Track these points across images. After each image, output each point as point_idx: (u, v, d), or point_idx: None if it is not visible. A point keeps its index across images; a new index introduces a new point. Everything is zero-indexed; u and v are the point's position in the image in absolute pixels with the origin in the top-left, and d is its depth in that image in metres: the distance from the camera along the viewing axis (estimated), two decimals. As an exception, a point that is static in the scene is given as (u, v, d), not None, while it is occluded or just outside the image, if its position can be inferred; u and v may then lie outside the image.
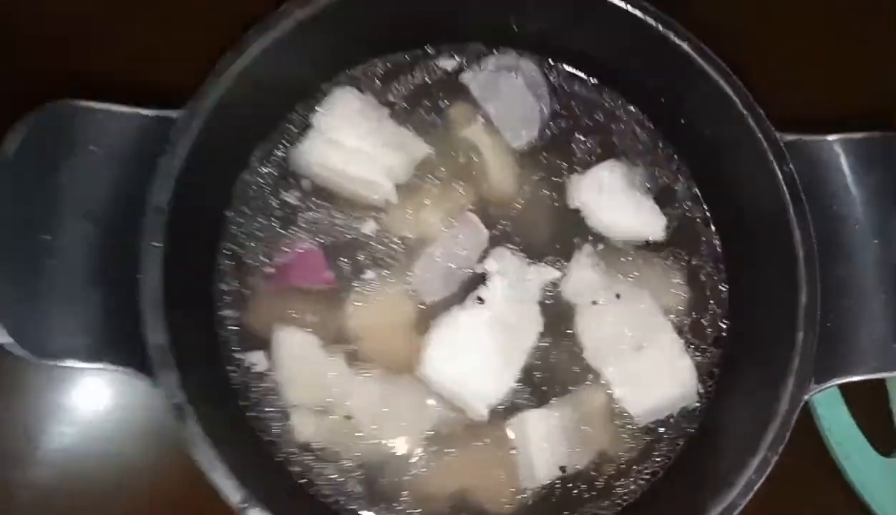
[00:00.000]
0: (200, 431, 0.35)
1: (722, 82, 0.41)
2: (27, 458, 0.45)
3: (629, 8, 0.41)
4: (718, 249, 0.46)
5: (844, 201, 0.40)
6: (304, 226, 0.44)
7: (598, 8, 0.42)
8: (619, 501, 0.41)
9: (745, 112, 0.40)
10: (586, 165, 0.46)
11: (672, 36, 0.41)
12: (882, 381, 0.49)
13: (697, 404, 0.43)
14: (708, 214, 0.46)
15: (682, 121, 0.45)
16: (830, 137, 0.40)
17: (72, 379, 0.46)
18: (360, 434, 0.41)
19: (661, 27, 0.41)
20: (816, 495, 0.48)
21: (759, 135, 0.40)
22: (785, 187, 0.39)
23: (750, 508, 0.35)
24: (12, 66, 0.47)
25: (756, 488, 0.35)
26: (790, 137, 0.40)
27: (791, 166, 0.39)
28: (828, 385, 0.37)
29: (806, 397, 0.36)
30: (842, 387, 0.48)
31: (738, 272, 0.44)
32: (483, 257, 0.44)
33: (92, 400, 0.46)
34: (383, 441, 0.41)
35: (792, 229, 0.38)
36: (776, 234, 0.40)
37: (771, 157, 0.39)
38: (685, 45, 0.41)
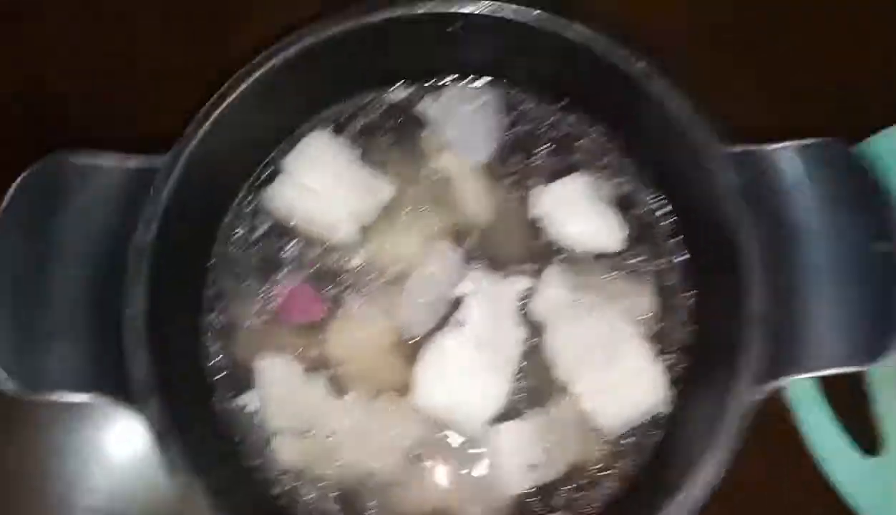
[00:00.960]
0: (183, 459, 0.38)
1: (668, 100, 0.42)
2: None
3: (574, 37, 0.43)
4: (682, 258, 0.47)
5: (794, 207, 0.41)
6: (286, 263, 0.47)
7: (547, 37, 0.44)
8: (587, 510, 0.43)
9: (690, 127, 0.42)
10: (550, 179, 0.48)
11: (616, 59, 0.43)
12: (861, 380, 0.49)
13: (665, 411, 0.44)
14: (672, 225, 0.48)
15: (642, 138, 0.47)
16: (773, 146, 0.41)
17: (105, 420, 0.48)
18: (340, 454, 0.44)
19: (605, 53, 0.43)
20: (801, 499, 0.48)
21: (706, 149, 0.41)
22: (732, 197, 0.40)
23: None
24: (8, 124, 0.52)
25: (711, 490, 0.36)
26: (737, 149, 0.42)
27: (737, 176, 0.41)
28: (776, 384, 0.38)
29: (757, 397, 0.37)
30: (821, 387, 0.49)
31: (701, 280, 0.46)
32: (460, 280, 0.46)
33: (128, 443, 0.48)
34: (362, 461, 0.44)
35: (740, 236, 0.40)
36: (727, 242, 0.41)
37: (717, 170, 0.41)
38: (627, 65, 0.43)
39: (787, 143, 0.42)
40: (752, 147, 0.42)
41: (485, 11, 0.45)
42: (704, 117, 0.42)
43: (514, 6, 0.45)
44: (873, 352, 0.37)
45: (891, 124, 0.51)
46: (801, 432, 0.48)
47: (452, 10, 0.45)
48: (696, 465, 0.36)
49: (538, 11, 0.44)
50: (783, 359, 0.38)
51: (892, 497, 0.48)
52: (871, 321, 0.38)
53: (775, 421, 0.49)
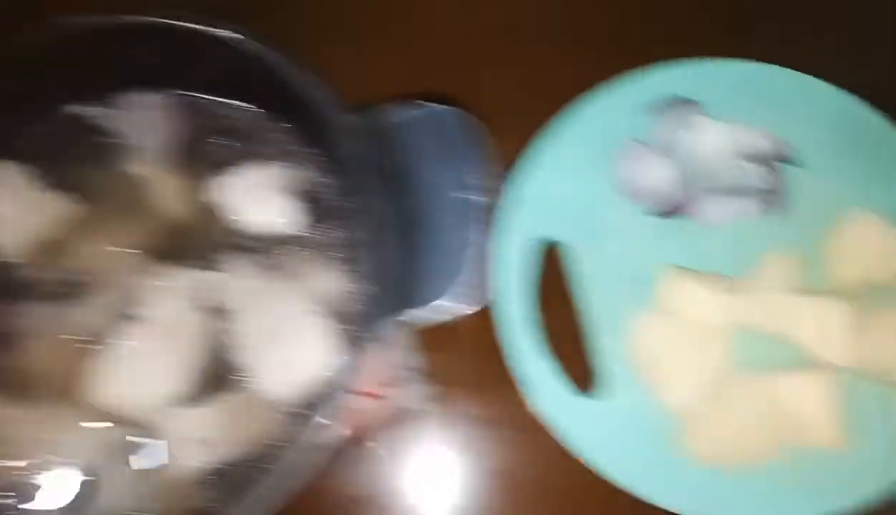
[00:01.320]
0: None
1: (301, 85, 0.45)
2: None
3: (228, 40, 0.46)
4: (357, 233, 0.49)
5: (412, 164, 0.44)
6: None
7: (205, 42, 0.46)
8: (269, 483, 0.44)
9: (322, 105, 0.45)
10: (232, 171, 0.50)
11: (262, 57, 0.46)
12: (575, 316, 0.53)
13: (338, 377, 0.46)
14: (345, 204, 0.50)
15: (306, 126, 0.50)
16: (397, 113, 0.45)
17: None
18: (22, 466, 0.44)
19: (253, 51, 0.46)
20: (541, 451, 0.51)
21: (336, 124, 0.44)
22: (361, 166, 0.44)
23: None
24: None
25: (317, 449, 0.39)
26: (359, 120, 0.45)
27: (358, 146, 0.44)
28: (391, 322, 0.41)
29: (380, 337, 0.41)
30: (541, 326, 0.52)
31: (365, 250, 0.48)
32: (148, 279, 0.48)
33: None
34: (49, 471, 0.44)
35: (372, 201, 0.43)
36: (367, 208, 0.44)
37: (346, 141, 0.44)
38: (271, 61, 0.46)
39: (403, 112, 0.45)
40: (373, 114, 0.45)
41: (140, 22, 0.47)
42: (333, 97, 0.45)
43: (173, 18, 0.47)
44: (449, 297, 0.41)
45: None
46: (514, 370, 0.51)
47: (115, 23, 0.48)
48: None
49: (193, 20, 0.47)
50: (393, 302, 0.41)
51: (610, 438, 0.50)
52: (454, 267, 0.41)
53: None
